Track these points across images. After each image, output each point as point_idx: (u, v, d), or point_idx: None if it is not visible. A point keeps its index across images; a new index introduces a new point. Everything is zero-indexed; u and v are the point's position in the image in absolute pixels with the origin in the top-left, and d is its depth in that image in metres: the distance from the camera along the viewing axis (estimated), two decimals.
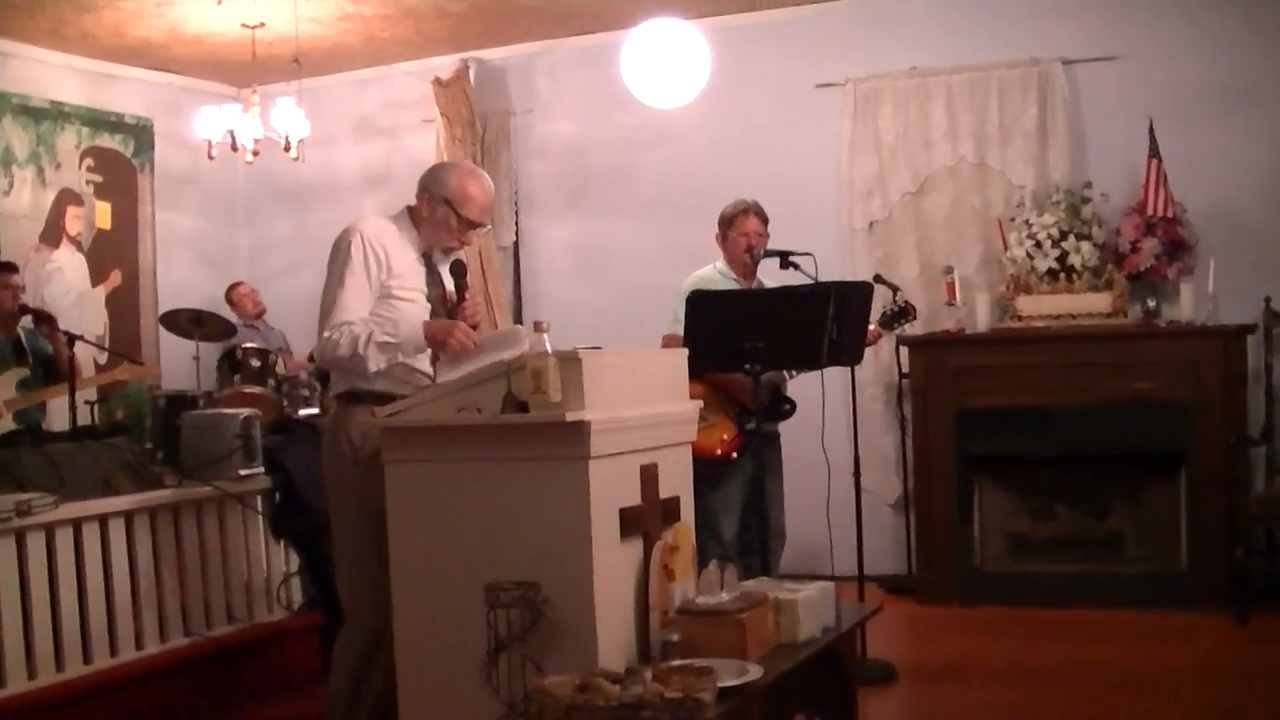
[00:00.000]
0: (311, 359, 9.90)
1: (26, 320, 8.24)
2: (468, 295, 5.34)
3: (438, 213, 5.23)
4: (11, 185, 9.62)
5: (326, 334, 5.02)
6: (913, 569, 8.97)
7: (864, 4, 9.52)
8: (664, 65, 7.86)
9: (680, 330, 6.42)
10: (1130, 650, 7.21)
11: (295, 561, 7.10)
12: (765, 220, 6.98)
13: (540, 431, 4.27)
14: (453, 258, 5.37)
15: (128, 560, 6.20)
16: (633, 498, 4.48)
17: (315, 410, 8.76)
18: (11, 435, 7.12)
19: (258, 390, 9.15)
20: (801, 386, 6.93)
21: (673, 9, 8.45)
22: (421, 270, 5.24)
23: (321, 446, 5.32)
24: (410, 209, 5.32)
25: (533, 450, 4.30)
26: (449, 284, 5.33)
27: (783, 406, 6.82)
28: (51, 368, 8.09)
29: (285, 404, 9.19)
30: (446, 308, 5.29)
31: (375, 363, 5.01)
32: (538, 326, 4.35)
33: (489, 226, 5.77)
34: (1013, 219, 8.90)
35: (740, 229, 6.90)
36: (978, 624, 8.06)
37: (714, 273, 6.95)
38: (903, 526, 9.16)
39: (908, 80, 9.39)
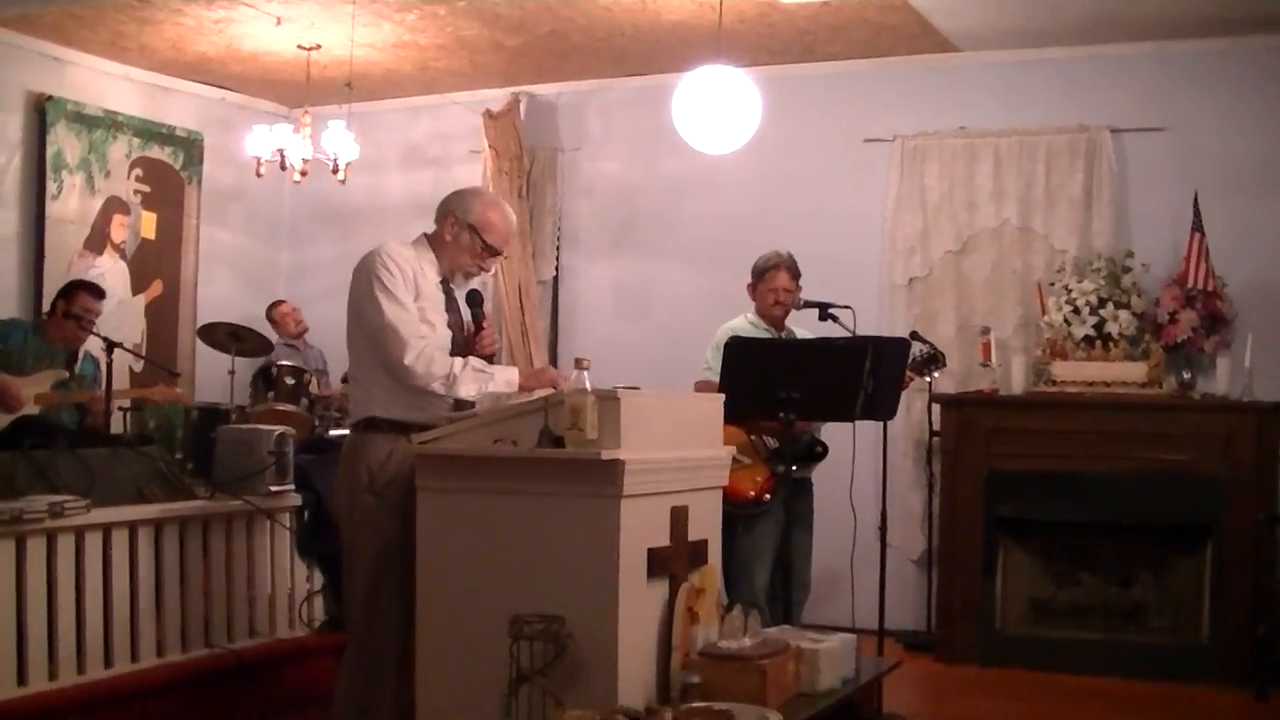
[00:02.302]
0: (345, 381, 9.95)
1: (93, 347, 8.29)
2: (485, 325, 5.38)
3: (462, 238, 5.26)
4: (61, 190, 9.70)
5: (414, 345, 4.98)
6: (932, 626, 8.94)
7: (917, 62, 9.54)
8: (715, 111, 7.90)
9: (711, 378, 6.46)
10: None
11: (319, 580, 7.13)
12: (797, 275, 7.01)
13: (575, 467, 4.30)
14: (469, 287, 5.41)
15: (154, 568, 6.22)
16: (662, 538, 4.51)
17: (347, 431, 8.79)
18: (47, 437, 7.17)
19: (291, 408, 9.21)
20: (833, 438, 6.95)
21: (726, 56, 8.49)
22: (441, 296, 5.27)
23: (338, 472, 5.34)
24: (428, 235, 5.35)
25: (566, 485, 4.33)
26: (466, 313, 5.37)
27: (815, 449, 6.83)
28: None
29: (317, 423, 9.24)
30: (464, 336, 5.32)
31: (468, 389, 5.03)
32: (579, 363, 4.39)
33: (506, 255, 5.79)
34: (1053, 284, 8.89)
35: (770, 284, 6.94)
36: (995, 686, 8.03)
37: (745, 323, 6.98)
38: (925, 583, 9.15)
39: (956, 140, 9.42)
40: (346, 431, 8.66)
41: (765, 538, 6.70)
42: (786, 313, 6.94)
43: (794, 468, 6.48)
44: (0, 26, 9.18)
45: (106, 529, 5.98)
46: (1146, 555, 8.59)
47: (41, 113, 9.58)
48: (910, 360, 6.97)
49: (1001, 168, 9.28)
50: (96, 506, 5.91)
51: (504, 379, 5.12)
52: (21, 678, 5.59)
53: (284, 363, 9.70)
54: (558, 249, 10.73)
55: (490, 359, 5.31)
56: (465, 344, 5.28)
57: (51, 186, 9.64)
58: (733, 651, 4.47)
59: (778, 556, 6.53)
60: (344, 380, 10.02)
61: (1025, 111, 9.22)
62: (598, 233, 10.69)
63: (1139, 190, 8.99)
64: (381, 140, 11.03)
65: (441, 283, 5.27)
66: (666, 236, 10.34)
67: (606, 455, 4.24)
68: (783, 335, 7.01)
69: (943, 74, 9.51)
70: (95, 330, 8.12)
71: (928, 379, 7.53)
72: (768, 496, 6.64)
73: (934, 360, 7.21)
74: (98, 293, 8.32)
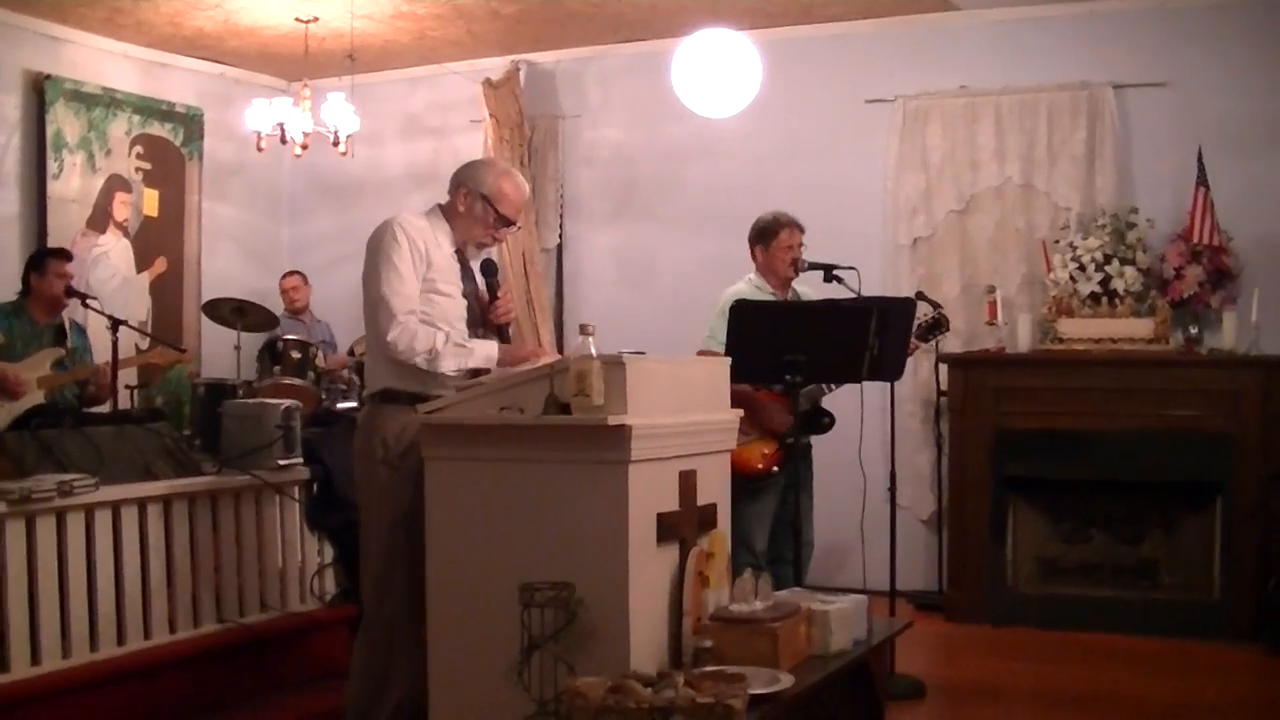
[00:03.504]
0: (352, 353, 9.96)
1: (73, 311, 8.30)
2: (501, 294, 5.38)
3: (475, 208, 5.26)
4: (62, 170, 9.68)
5: (401, 320, 5.01)
6: (943, 586, 8.95)
7: (916, 22, 9.50)
8: (715, 75, 7.86)
9: (714, 347, 6.46)
10: (1159, 679, 7.18)
11: (329, 553, 7.13)
12: (803, 231, 7.01)
13: (582, 434, 4.30)
14: (484, 256, 5.41)
15: (165, 544, 6.23)
16: (671, 503, 4.51)
17: (354, 404, 8.81)
18: (53, 416, 7.19)
19: (297, 382, 9.20)
20: (840, 401, 6.95)
21: (725, 19, 8.47)
22: (456, 266, 5.27)
23: (353, 444, 5.35)
24: (442, 206, 5.35)
25: (573, 452, 4.33)
26: (481, 282, 5.37)
27: (822, 419, 6.83)
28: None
29: (324, 397, 9.24)
30: (480, 305, 5.33)
31: (449, 364, 5.03)
32: (584, 330, 4.38)
33: (520, 225, 5.79)
34: (1057, 241, 8.87)
35: (785, 243, 6.90)
36: (1007, 645, 8.04)
37: (749, 287, 6.94)
38: (935, 544, 9.16)
39: (957, 99, 9.39)
40: (353, 404, 8.77)
41: (767, 504, 6.73)
42: (797, 272, 6.92)
43: (800, 438, 6.49)
44: None
45: (115, 507, 5.98)
46: (1156, 512, 8.61)
47: (40, 92, 9.56)
48: (916, 327, 6.97)
49: (1003, 126, 9.25)
50: (105, 484, 5.91)
51: (483, 355, 5.13)
52: (35, 657, 5.60)
53: (290, 337, 9.68)
54: (561, 217, 10.71)
55: (506, 328, 5.32)
56: (483, 313, 5.29)
57: (52, 166, 9.62)
58: (744, 615, 4.47)
59: (787, 521, 6.52)
60: (350, 352, 10.04)
61: (1026, 69, 9.19)
62: (600, 200, 10.67)
63: (1142, 146, 8.96)
64: (381, 112, 11.00)
65: (456, 253, 5.27)
66: (668, 202, 10.32)
67: (613, 421, 4.23)
68: (788, 297, 6.99)
69: (943, 33, 9.48)
70: (71, 286, 8.15)
71: (933, 342, 7.53)
72: (776, 468, 6.65)
73: (938, 326, 7.24)
74: (64, 254, 8.34)
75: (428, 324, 5.06)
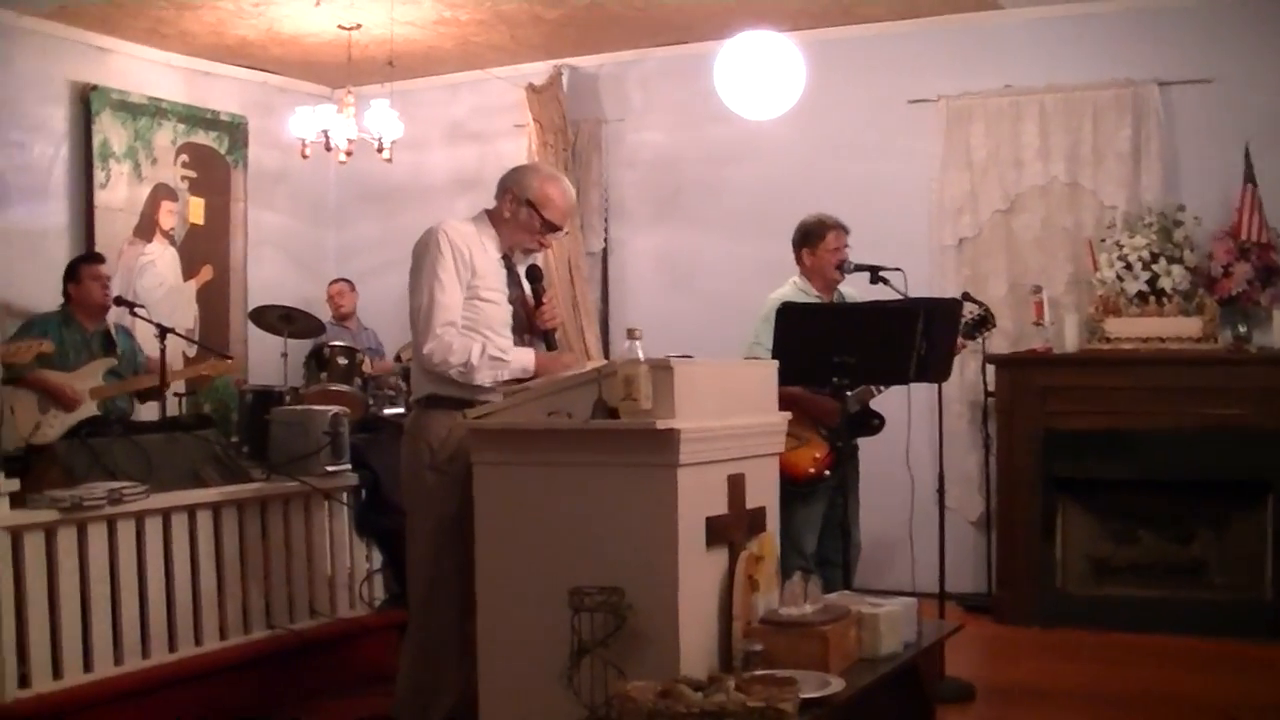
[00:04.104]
0: (399, 360, 9.98)
1: (120, 316, 8.36)
2: (546, 300, 5.39)
3: (520, 214, 5.28)
4: (108, 179, 9.75)
5: (438, 331, 5.04)
6: (992, 588, 8.92)
7: (959, 21, 9.47)
8: (757, 77, 7.85)
9: (759, 353, 6.44)
10: (1210, 679, 7.13)
11: (378, 559, 7.15)
12: (848, 232, 7.00)
13: (630, 438, 4.29)
14: (529, 262, 5.42)
15: (214, 551, 6.28)
16: (719, 507, 4.50)
17: (401, 410, 8.82)
18: (103, 425, 7.24)
19: (344, 389, 9.22)
20: (887, 402, 6.92)
21: (766, 21, 8.45)
22: (503, 272, 5.28)
23: (400, 449, 5.36)
24: (489, 211, 5.37)
25: (622, 456, 4.32)
26: (527, 288, 5.38)
27: (872, 421, 6.81)
28: (138, 369, 8.21)
29: (371, 403, 9.26)
30: (526, 311, 5.33)
31: (484, 376, 5.04)
32: (631, 334, 4.37)
33: (567, 231, 5.80)
34: (1103, 240, 8.82)
35: (832, 244, 6.89)
36: (1057, 646, 8.00)
37: (795, 290, 6.91)
38: (984, 545, 9.11)
39: (1000, 99, 9.35)
40: (400, 410, 8.78)
41: (816, 507, 6.71)
42: (843, 274, 6.91)
43: (851, 440, 6.49)
44: (42, 18, 9.24)
45: (166, 514, 6.04)
46: (1206, 511, 8.55)
47: (86, 102, 9.62)
48: (962, 325, 6.94)
49: (1048, 125, 9.21)
50: (154, 492, 5.95)
51: (520, 365, 5.14)
52: (87, 664, 5.66)
53: (336, 343, 9.72)
54: (605, 221, 10.72)
55: (552, 334, 5.33)
56: (528, 319, 5.30)
57: (99, 175, 9.69)
58: (794, 618, 4.46)
59: (836, 524, 6.51)
60: (397, 359, 10.07)
61: (1070, 67, 9.14)
62: (644, 203, 10.67)
63: (1188, 143, 8.90)
64: (424, 117, 11.02)
65: (503, 258, 5.28)
66: (712, 205, 10.30)
67: (662, 425, 4.22)
68: (834, 299, 6.98)
69: (986, 32, 9.44)
70: (113, 293, 8.23)
71: (979, 340, 7.51)
72: (827, 472, 6.63)
73: (984, 323, 7.20)
74: (97, 258, 8.39)
75: (472, 330, 5.07)
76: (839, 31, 9.72)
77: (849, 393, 6.16)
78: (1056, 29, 9.21)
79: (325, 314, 10.55)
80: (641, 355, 4.31)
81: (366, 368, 9.66)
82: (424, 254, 5.15)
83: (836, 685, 4.14)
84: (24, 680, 5.39)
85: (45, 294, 8.45)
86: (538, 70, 10.64)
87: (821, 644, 4.33)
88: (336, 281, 10.94)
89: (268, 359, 10.14)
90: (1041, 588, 8.59)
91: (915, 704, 5.04)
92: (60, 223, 9.50)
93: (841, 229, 6.95)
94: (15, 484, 5.44)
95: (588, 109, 10.74)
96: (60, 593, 5.55)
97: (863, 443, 6.93)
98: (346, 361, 9.51)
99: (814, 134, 9.66)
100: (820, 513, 6.72)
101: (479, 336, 5.08)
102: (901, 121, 9.61)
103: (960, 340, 6.95)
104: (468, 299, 5.12)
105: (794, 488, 5.96)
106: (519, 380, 5.05)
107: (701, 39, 9.85)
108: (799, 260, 7.01)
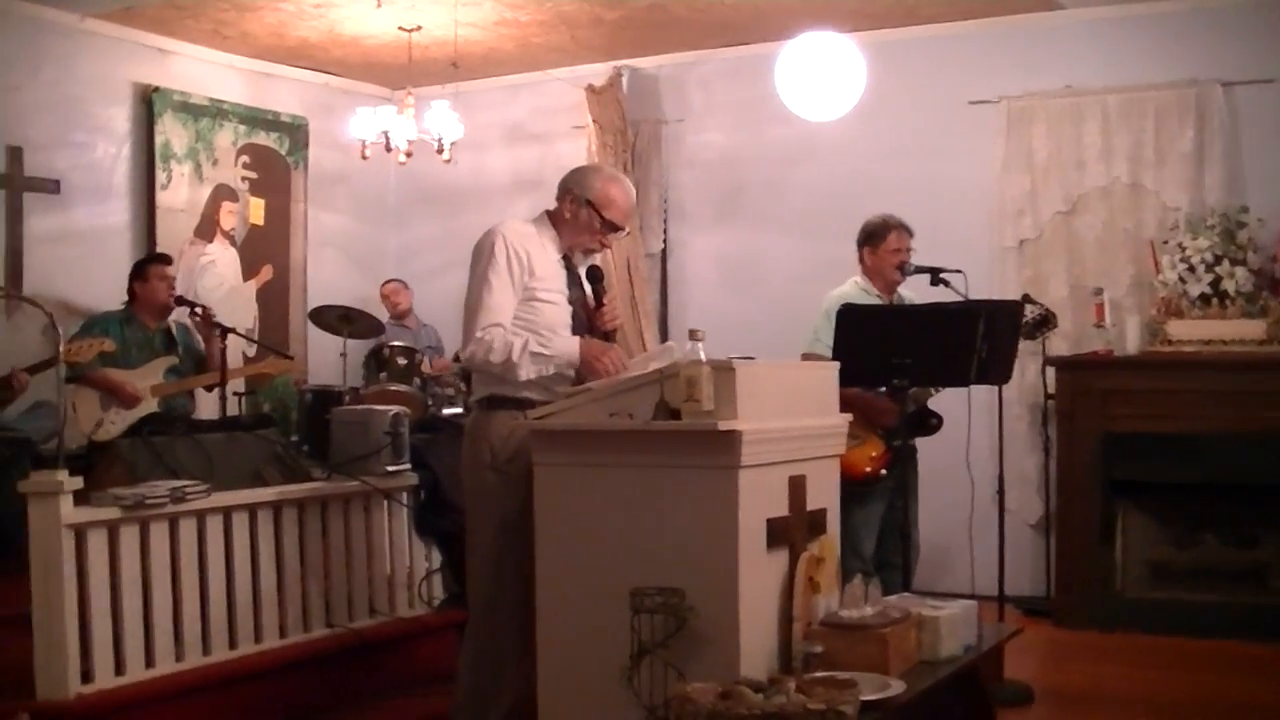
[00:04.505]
0: (458, 359, 10.01)
1: (180, 315, 8.44)
2: (606, 300, 5.38)
3: (580, 215, 5.27)
4: (170, 180, 9.84)
5: (479, 334, 5.06)
6: (1051, 591, 8.86)
7: (1020, 22, 9.42)
8: (818, 78, 7.86)
9: (819, 349, 6.44)
10: (1272, 685, 7.07)
11: (437, 558, 7.17)
12: (911, 234, 6.99)
13: (692, 439, 4.29)
14: (590, 262, 5.41)
15: (275, 550, 6.30)
16: (780, 508, 4.49)
17: (460, 410, 8.85)
18: (165, 423, 7.30)
19: (403, 389, 9.26)
20: (946, 404, 6.89)
21: (827, 22, 8.44)
22: (563, 273, 5.28)
23: (461, 450, 5.37)
24: (549, 212, 5.36)
25: (683, 458, 4.32)
26: (587, 288, 5.38)
27: (930, 420, 6.77)
28: (201, 365, 8.27)
29: (430, 403, 9.29)
30: (586, 311, 5.33)
31: (527, 372, 5.04)
32: (693, 335, 4.39)
33: (628, 231, 5.80)
34: (1166, 242, 8.76)
35: (892, 245, 6.88)
36: (1116, 651, 7.95)
37: (856, 289, 6.93)
38: (1043, 548, 9.06)
39: (1062, 99, 9.30)
40: (459, 411, 8.81)
41: (875, 509, 6.70)
42: (904, 275, 6.89)
43: (908, 440, 6.47)
44: (104, 20, 9.34)
45: (227, 512, 6.06)
46: (1268, 516, 8.45)
47: (148, 104, 9.72)
48: (1023, 325, 6.91)
49: (1109, 126, 9.15)
50: (215, 490, 5.98)
51: (565, 358, 5.10)
52: (149, 660, 5.69)
53: (395, 343, 9.77)
54: (664, 222, 10.72)
55: (611, 335, 5.32)
56: (588, 320, 5.30)
57: (161, 176, 9.79)
58: (854, 621, 4.46)
59: (895, 526, 6.50)
60: (455, 359, 10.09)
61: (1132, 68, 9.08)
62: (703, 204, 10.66)
63: (1252, 144, 8.83)
64: (484, 119, 11.05)
65: (563, 259, 5.29)
66: (772, 206, 10.29)
67: (724, 426, 4.22)
68: (893, 301, 6.96)
69: (1046, 33, 9.38)
70: (177, 293, 8.34)
71: (1040, 339, 7.48)
72: (884, 472, 6.61)
73: (1045, 323, 7.17)
74: (164, 259, 8.50)
75: (531, 331, 5.07)
76: (900, 32, 9.69)
77: (908, 392, 6.14)
78: (1118, 29, 9.15)
79: (383, 314, 10.59)
80: (704, 356, 4.31)
81: (425, 368, 9.70)
82: (479, 256, 5.16)
83: (896, 688, 4.13)
84: (87, 676, 5.43)
85: (107, 293, 8.55)
86: (597, 71, 10.67)
87: (881, 646, 4.32)
88: (390, 281, 11.01)
89: (327, 359, 10.20)
90: (1101, 591, 8.54)
91: (975, 707, 5.03)
92: (122, 223, 9.61)
93: (905, 230, 6.94)
94: (79, 482, 5.47)
95: (647, 110, 10.74)
96: (122, 590, 5.59)
97: (922, 445, 6.91)
98: (405, 362, 9.55)
99: (874, 135, 9.62)
100: (878, 514, 6.71)
101: (526, 335, 5.09)
102: (962, 122, 9.56)
103: (1021, 340, 6.92)
104: (526, 300, 5.12)
105: (850, 487, 5.94)
106: (579, 380, 5.06)
107: (762, 40, 9.84)
108: (861, 259, 7.02)
